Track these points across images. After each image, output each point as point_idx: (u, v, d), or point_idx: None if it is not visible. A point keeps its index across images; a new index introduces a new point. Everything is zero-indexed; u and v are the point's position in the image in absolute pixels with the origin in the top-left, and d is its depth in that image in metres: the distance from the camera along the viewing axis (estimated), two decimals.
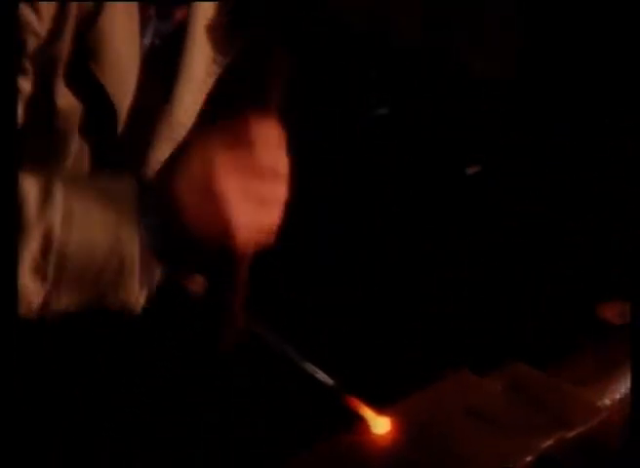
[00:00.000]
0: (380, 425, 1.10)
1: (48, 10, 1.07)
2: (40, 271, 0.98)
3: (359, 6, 2.00)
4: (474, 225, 1.72)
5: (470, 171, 1.75)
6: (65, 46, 1.10)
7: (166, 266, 1.04)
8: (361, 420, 1.10)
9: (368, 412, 1.10)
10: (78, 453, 1.41)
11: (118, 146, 1.22)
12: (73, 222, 0.99)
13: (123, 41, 1.17)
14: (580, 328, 1.31)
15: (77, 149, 1.18)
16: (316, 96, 1.75)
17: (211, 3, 1.26)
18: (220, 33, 1.31)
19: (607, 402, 1.15)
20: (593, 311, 1.36)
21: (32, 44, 1.06)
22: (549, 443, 1.06)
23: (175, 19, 1.24)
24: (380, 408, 1.10)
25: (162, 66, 1.26)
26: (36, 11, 1.05)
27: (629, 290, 1.32)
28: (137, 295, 1.01)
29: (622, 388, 1.16)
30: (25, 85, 1.08)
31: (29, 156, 1.08)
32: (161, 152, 1.27)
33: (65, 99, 1.13)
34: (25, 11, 1.05)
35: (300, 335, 1.14)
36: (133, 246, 0.98)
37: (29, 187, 0.99)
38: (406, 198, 1.71)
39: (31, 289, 0.99)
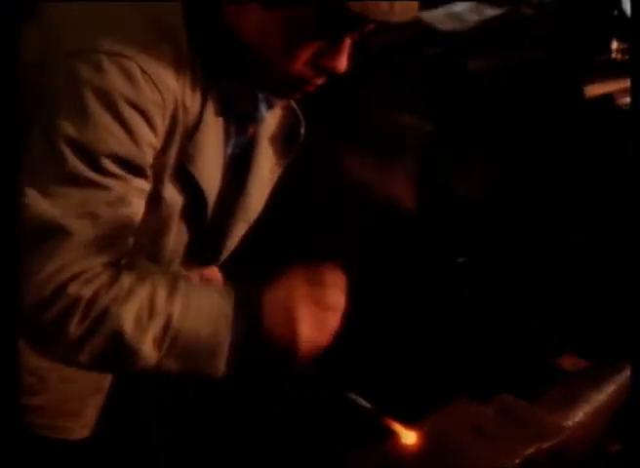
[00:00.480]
0: (409, 437, 1.40)
1: (162, 130, 1.31)
2: (158, 344, 1.23)
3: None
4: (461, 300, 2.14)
5: (460, 260, 2.20)
6: (172, 154, 1.35)
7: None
8: (393, 434, 1.40)
9: (399, 428, 1.42)
10: None
11: (207, 226, 1.47)
12: (188, 315, 1.25)
13: (213, 150, 1.42)
14: (545, 374, 1.67)
15: (177, 229, 1.43)
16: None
17: (273, 121, 1.55)
18: (279, 143, 1.58)
19: (570, 423, 1.46)
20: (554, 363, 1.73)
21: (151, 154, 1.30)
22: (531, 450, 1.38)
23: (248, 134, 1.50)
24: (408, 424, 1.43)
25: (239, 168, 1.52)
26: (154, 131, 1.29)
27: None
28: (221, 371, 1.26)
29: (580, 414, 1.48)
30: (147, 185, 1.32)
31: (144, 234, 1.36)
32: (237, 230, 1.55)
33: (170, 193, 1.37)
34: (146, 130, 1.28)
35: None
36: (226, 336, 1.25)
37: (161, 284, 1.26)
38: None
39: (150, 355, 1.23)
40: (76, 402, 1.55)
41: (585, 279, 2.05)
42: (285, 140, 1.58)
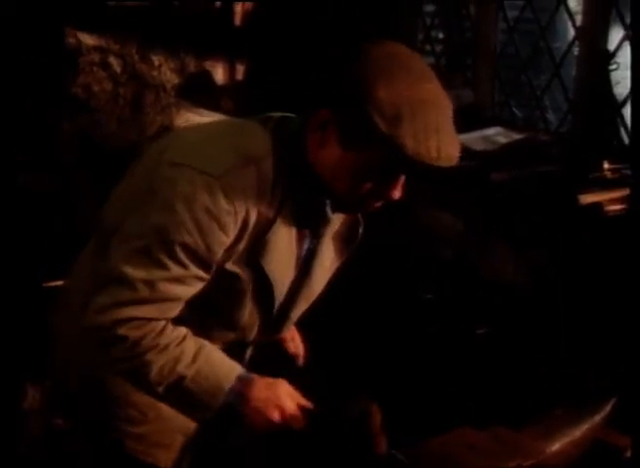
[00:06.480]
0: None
1: (234, 232, 1.58)
2: (168, 390, 1.61)
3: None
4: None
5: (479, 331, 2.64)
6: (240, 248, 1.60)
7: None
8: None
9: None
10: None
11: (277, 307, 1.74)
12: (196, 380, 1.61)
13: (284, 249, 1.67)
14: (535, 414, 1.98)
15: (250, 307, 1.70)
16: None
17: (337, 221, 1.80)
18: (341, 241, 1.84)
19: (548, 450, 1.76)
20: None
21: (221, 250, 1.57)
22: (513, 465, 1.68)
23: (319, 236, 1.77)
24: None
25: (307, 260, 1.78)
26: (226, 233, 1.56)
27: None
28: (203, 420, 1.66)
29: (557, 444, 1.78)
30: (205, 275, 1.59)
31: (220, 306, 1.68)
32: (299, 309, 1.83)
33: (239, 277, 1.63)
34: (218, 233, 1.55)
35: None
36: (215, 405, 1.62)
37: (188, 351, 1.62)
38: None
39: (159, 392, 1.62)
40: (168, 436, 1.88)
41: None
42: (345, 239, 1.85)
